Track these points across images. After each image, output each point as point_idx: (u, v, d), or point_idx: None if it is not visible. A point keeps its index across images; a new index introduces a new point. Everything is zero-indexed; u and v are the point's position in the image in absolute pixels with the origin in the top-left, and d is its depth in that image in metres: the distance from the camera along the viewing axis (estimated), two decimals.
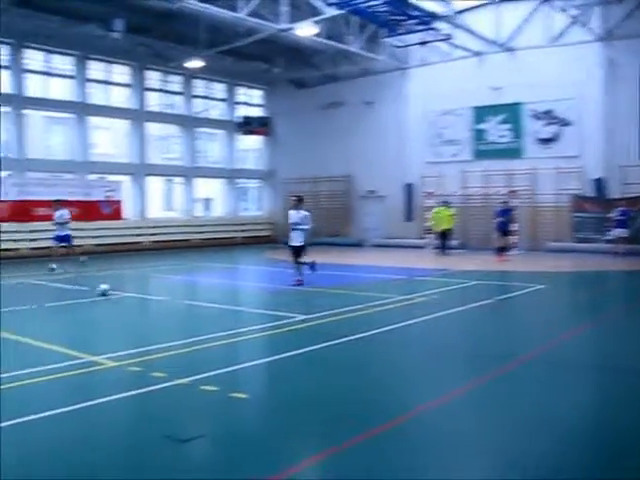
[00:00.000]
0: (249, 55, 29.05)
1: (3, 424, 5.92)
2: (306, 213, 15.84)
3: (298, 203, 15.93)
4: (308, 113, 32.89)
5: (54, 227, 20.58)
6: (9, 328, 10.50)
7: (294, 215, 15.83)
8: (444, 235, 25.39)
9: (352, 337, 9.70)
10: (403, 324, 10.88)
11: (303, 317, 11.29)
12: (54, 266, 19.68)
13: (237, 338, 9.87)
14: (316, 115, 32.58)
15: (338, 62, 30.05)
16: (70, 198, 26.67)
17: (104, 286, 14.36)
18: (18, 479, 4.91)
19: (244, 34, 25.29)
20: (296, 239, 15.75)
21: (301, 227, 15.65)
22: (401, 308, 12.64)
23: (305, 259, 15.92)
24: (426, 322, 11.16)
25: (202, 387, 7.02)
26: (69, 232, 20.34)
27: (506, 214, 23.42)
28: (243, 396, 6.79)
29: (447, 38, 26.79)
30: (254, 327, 10.80)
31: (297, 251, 15.78)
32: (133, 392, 7.01)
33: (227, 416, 6.41)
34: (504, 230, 23.20)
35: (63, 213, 20.47)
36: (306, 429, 6.01)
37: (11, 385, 7.26)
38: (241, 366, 8.22)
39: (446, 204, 25.78)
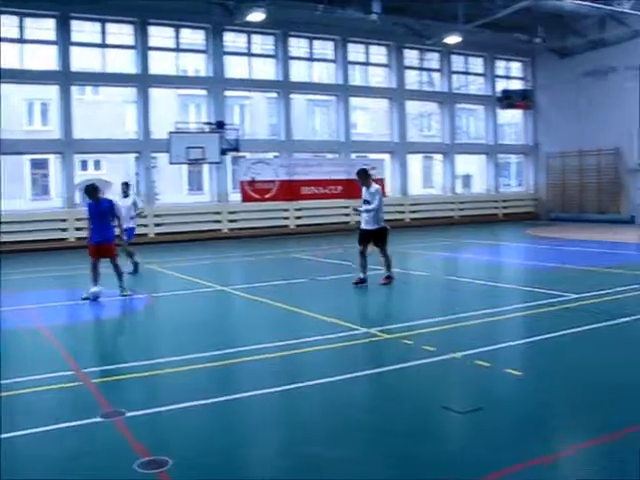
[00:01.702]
0: (508, 26, 28.10)
1: (303, 384, 6.45)
2: (377, 187, 12.83)
3: (365, 179, 12.78)
4: (572, 83, 31.13)
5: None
6: (285, 300, 11.24)
7: (364, 192, 12.83)
8: None
9: (631, 318, 9.13)
10: None
11: (575, 296, 10.79)
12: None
13: (505, 315, 9.72)
14: (581, 85, 30.75)
15: (605, 26, 28.17)
16: (334, 177, 27.99)
17: (95, 289, 11.79)
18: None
19: (502, 5, 24.60)
20: (366, 221, 12.66)
21: (368, 207, 12.56)
22: None
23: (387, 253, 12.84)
24: None
25: (475, 362, 7.02)
26: (134, 225, 15.72)
27: None
28: (517, 373, 6.68)
29: None
30: (522, 304, 10.58)
31: (371, 236, 12.68)
32: (409, 363, 7.18)
33: (502, 392, 6.36)
34: None
35: (135, 200, 15.75)
36: (581, 412, 5.75)
37: (295, 352, 7.84)
38: (513, 343, 8.10)
39: None
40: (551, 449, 4.95)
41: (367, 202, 12.60)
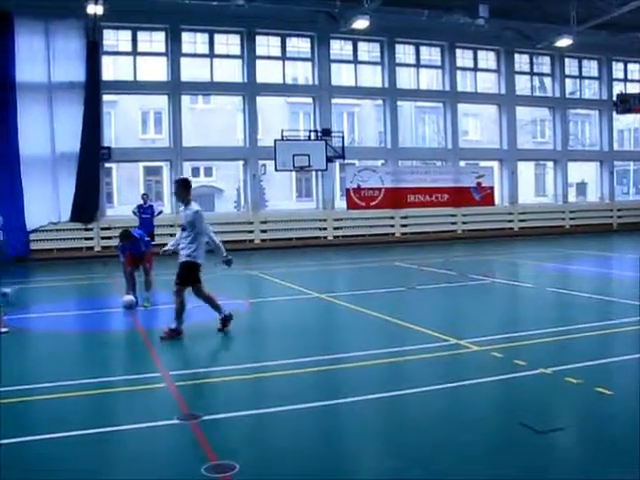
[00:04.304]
0: (626, 26, 26.92)
1: (389, 394, 6.45)
2: (195, 209, 9.34)
3: (182, 192, 9.55)
4: None
5: None
6: (378, 308, 11.11)
7: (181, 213, 9.97)
8: None
9: None
10: None
11: None
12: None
13: (609, 330, 9.23)
14: None
15: None
16: (440, 185, 27.64)
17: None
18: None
19: (619, 3, 23.61)
20: (182, 252, 9.45)
21: (186, 234, 9.39)
22: None
23: (206, 294, 9.56)
24: None
25: (565, 378, 6.68)
26: None
27: None
28: (609, 392, 6.30)
29: None
30: (626, 319, 9.95)
31: (182, 272, 9.40)
32: (494, 377, 6.97)
33: (588, 411, 6.02)
34: None
35: None
36: None
37: (375, 362, 7.72)
38: (611, 360, 7.63)
39: None
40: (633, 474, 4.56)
41: (184, 229, 9.48)
